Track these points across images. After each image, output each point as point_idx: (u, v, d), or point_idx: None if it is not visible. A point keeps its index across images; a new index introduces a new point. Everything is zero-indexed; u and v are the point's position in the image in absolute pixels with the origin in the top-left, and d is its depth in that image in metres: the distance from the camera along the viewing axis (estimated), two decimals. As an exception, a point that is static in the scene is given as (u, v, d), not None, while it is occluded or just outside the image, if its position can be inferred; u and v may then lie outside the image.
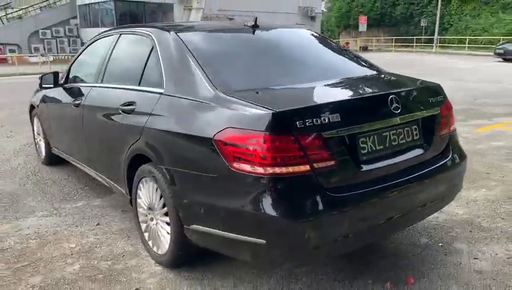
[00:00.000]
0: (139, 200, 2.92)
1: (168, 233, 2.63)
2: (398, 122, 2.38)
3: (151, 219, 2.83)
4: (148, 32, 3.05)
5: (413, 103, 2.51)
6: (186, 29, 3.01)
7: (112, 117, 3.08)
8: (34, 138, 5.25)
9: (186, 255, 2.64)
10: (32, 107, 5.06)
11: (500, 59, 22.15)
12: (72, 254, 2.98)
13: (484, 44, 30.13)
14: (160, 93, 2.65)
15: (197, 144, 2.30)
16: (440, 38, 32.94)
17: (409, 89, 2.59)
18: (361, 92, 2.56)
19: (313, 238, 2.07)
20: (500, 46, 22.87)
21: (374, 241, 2.87)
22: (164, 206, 2.63)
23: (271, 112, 2.04)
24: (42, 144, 4.93)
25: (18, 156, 5.49)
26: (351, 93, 2.60)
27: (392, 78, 2.97)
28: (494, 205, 3.63)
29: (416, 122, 2.50)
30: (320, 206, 2.06)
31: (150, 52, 2.93)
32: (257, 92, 2.34)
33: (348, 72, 2.96)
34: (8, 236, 3.29)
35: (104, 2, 32.98)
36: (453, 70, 17.03)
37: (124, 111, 2.93)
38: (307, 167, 2.04)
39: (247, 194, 2.07)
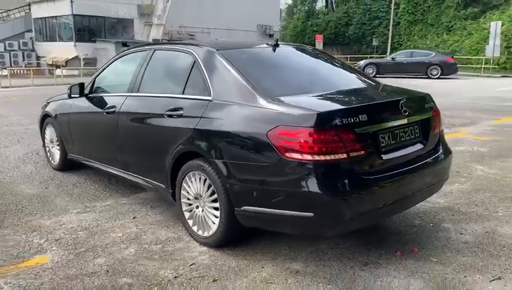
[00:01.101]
0: (183, 192, 3.40)
1: (216, 217, 3.13)
2: (406, 123, 3.03)
3: (197, 207, 3.31)
4: (188, 50, 3.57)
5: (414, 107, 3.17)
6: (223, 47, 3.55)
7: (156, 121, 3.56)
8: (45, 146, 5.54)
9: (232, 235, 3.14)
10: (45, 117, 5.38)
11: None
12: (122, 241, 3.41)
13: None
14: (209, 100, 3.17)
15: (250, 139, 2.84)
16: (392, 57, 35.00)
17: (411, 96, 3.26)
18: (377, 98, 3.20)
19: (348, 211, 2.66)
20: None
21: (390, 216, 3.49)
22: (212, 194, 3.13)
23: (316, 112, 2.63)
24: (56, 151, 5.25)
25: (26, 163, 5.74)
26: (370, 98, 3.22)
27: (393, 87, 3.66)
28: (467, 195, 4.36)
29: (417, 123, 3.16)
30: (354, 186, 2.66)
31: (192, 66, 3.44)
32: (297, 97, 2.94)
33: (357, 82, 3.62)
34: (56, 229, 3.65)
35: (62, 16, 32.62)
36: (408, 86, 18.28)
37: (170, 116, 3.41)
38: (345, 156, 2.63)
39: (297, 177, 2.63)
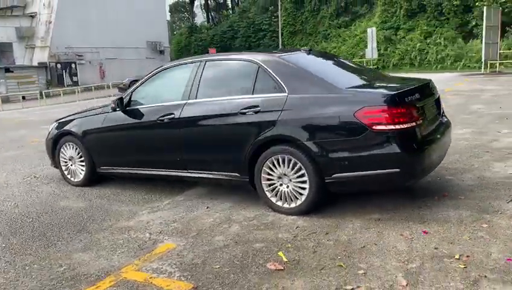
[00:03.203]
0: (263, 175, 4.09)
1: (302, 189, 3.89)
2: (433, 100, 4.15)
3: (281, 185, 4.03)
4: (249, 58, 4.29)
5: (433, 89, 4.30)
6: (281, 54, 4.34)
7: (230, 120, 4.19)
8: (60, 166, 5.64)
9: (317, 202, 3.92)
10: (60, 137, 5.52)
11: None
12: (220, 223, 3.98)
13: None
14: (285, 96, 3.93)
15: (338, 120, 3.69)
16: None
17: (430, 80, 4.38)
18: (414, 82, 4.24)
19: (421, 164, 3.67)
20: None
21: (435, 168, 4.33)
22: (298, 171, 3.89)
23: (392, 93, 3.61)
24: (79, 168, 5.44)
25: (36, 186, 5.75)
26: (411, 84, 4.21)
27: (408, 76, 4.80)
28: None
29: (435, 100, 4.29)
30: (422, 145, 3.68)
31: (257, 71, 4.16)
32: (366, 86, 3.89)
33: (378, 75, 4.68)
34: (150, 225, 4.07)
35: None
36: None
37: (244, 113, 4.08)
38: (413, 124, 3.63)
39: (384, 143, 3.57)
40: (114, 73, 32.52)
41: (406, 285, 2.74)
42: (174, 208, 4.52)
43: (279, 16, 38.29)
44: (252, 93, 4.17)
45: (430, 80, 4.37)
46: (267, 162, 4.05)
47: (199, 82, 4.51)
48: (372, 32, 25.28)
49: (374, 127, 3.55)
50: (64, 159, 5.59)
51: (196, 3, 59.28)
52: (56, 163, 5.73)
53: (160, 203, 4.71)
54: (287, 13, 39.68)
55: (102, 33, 34.90)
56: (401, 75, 4.88)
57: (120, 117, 4.97)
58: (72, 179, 5.58)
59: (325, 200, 4.03)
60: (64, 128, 5.53)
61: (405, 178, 3.71)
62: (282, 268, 3.07)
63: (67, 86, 32.11)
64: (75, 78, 34.80)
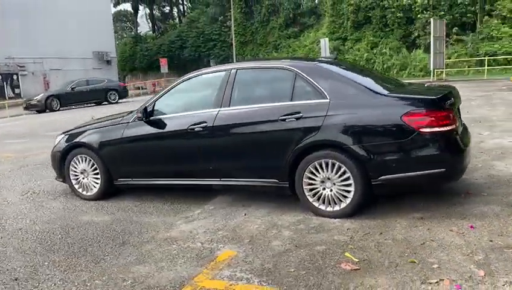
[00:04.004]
0: (305, 180, 4.18)
1: (347, 192, 4.02)
2: (458, 105, 4.44)
3: (323, 189, 4.14)
4: (284, 66, 4.38)
5: (458, 95, 4.57)
6: (320, 61, 4.48)
7: (269, 126, 4.24)
8: (70, 179, 5.39)
9: (361, 204, 4.07)
10: (70, 150, 5.30)
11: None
12: (268, 229, 4.02)
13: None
14: (327, 102, 4.06)
15: (385, 124, 3.87)
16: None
17: (455, 87, 4.66)
18: (443, 88, 4.50)
19: (462, 163, 3.93)
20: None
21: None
22: (342, 174, 4.01)
23: (435, 98, 3.84)
24: (93, 181, 5.24)
25: (46, 201, 5.46)
26: (439, 90, 4.47)
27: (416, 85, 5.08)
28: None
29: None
30: (462, 146, 3.94)
31: (295, 78, 4.26)
32: (405, 92, 4.11)
33: (401, 82, 4.92)
34: (196, 235, 4.03)
35: None
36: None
37: (284, 120, 4.16)
38: (454, 126, 3.88)
39: (431, 144, 3.79)
40: (60, 84, 31.11)
41: (484, 275, 2.93)
42: (209, 216, 4.48)
43: (232, 26, 38.54)
44: (291, 100, 4.25)
45: (455, 87, 4.68)
46: (310, 167, 4.14)
47: (231, 90, 4.53)
48: (325, 43, 26.10)
49: (420, 130, 3.76)
50: (75, 172, 5.35)
51: (141, 12, 58.32)
52: (64, 177, 5.47)
53: (191, 212, 4.65)
54: (237, 23, 40.02)
55: (47, 43, 33.32)
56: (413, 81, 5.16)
57: (144, 127, 4.87)
58: (83, 192, 5.35)
59: (368, 202, 4.18)
60: (76, 140, 5.31)
61: (448, 178, 3.95)
62: (358, 268, 3.17)
63: (9, 98, 30.36)
64: (17, 90, 32.92)
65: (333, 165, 4.05)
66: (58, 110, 22.70)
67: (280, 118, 4.20)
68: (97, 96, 24.60)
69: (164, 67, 35.09)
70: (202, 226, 4.22)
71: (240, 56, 39.84)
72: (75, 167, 5.34)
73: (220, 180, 4.60)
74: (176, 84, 4.92)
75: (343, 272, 3.12)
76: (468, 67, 25.89)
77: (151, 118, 4.84)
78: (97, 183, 5.24)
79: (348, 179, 4.01)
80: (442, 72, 23.80)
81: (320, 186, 4.16)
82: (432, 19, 21.33)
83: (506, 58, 24.44)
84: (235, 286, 3.05)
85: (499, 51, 25.12)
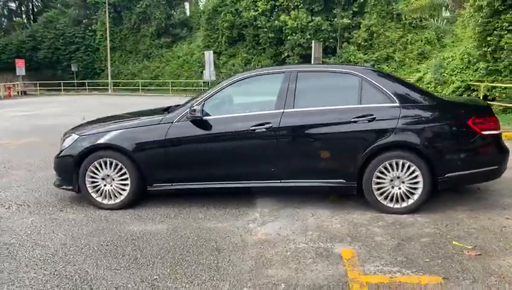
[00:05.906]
0: (375, 179, 4.41)
1: (414, 189, 4.39)
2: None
3: (392, 187, 4.42)
4: (348, 71, 4.59)
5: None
6: (370, 68, 4.75)
7: (341, 128, 4.39)
8: (86, 187, 4.64)
9: (425, 200, 4.46)
10: (89, 152, 4.61)
11: None
12: (353, 227, 4.12)
13: (158, 86, 34.76)
14: (398, 106, 4.39)
15: (454, 127, 4.38)
16: (113, 82, 35.77)
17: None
18: (477, 99, 5.17)
19: (506, 162, 4.62)
20: None
21: None
22: (411, 173, 4.36)
23: (487, 106, 4.48)
24: (119, 187, 4.64)
25: (56, 213, 4.60)
26: (477, 100, 5.15)
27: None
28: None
29: None
30: (506, 146, 4.65)
31: (361, 83, 4.49)
32: (457, 99, 4.65)
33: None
34: (289, 238, 3.91)
35: None
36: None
37: (358, 122, 4.35)
38: (500, 130, 4.57)
39: (490, 145, 4.42)
40: None
41: None
42: (277, 219, 4.38)
43: (105, 31, 36.20)
44: (360, 103, 4.46)
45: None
46: (380, 166, 4.40)
47: (294, 92, 4.53)
48: (209, 56, 26.39)
49: (482, 132, 4.34)
50: (95, 178, 4.64)
51: (-22, 7, 50.76)
52: (75, 184, 4.69)
53: (250, 216, 4.46)
54: (104, 29, 37.77)
55: None
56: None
57: (193, 127, 4.52)
58: (104, 201, 4.66)
59: (428, 199, 4.60)
60: (98, 142, 4.62)
61: (498, 174, 4.60)
62: (480, 253, 3.53)
63: None
64: None
65: (403, 164, 4.37)
66: None
67: (352, 119, 4.37)
68: None
69: (21, 69, 31.22)
70: (283, 228, 4.12)
71: (107, 62, 37.56)
72: (96, 173, 4.63)
73: (281, 182, 4.54)
74: (228, 84, 4.70)
75: (472, 258, 3.44)
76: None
77: (205, 117, 4.52)
78: (124, 191, 4.64)
79: (416, 177, 4.37)
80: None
81: (389, 185, 4.44)
82: (313, 41, 23.32)
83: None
84: (397, 278, 3.14)
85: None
